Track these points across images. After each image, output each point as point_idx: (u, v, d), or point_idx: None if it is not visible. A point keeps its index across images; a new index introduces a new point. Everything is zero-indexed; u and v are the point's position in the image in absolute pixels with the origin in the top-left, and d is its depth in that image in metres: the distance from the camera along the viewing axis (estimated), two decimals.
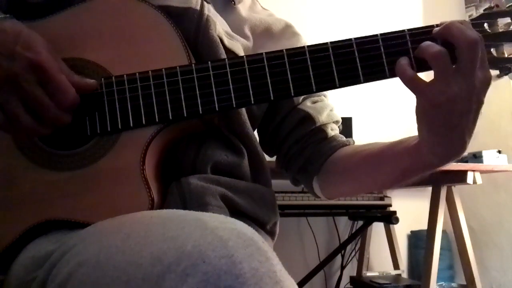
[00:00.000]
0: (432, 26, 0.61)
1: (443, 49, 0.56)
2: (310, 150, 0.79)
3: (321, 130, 0.80)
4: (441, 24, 0.59)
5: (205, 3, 0.73)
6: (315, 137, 0.79)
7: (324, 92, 0.84)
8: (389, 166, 0.69)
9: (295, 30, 0.86)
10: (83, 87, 0.61)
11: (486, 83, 0.56)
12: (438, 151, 0.60)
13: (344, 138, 0.81)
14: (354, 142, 0.82)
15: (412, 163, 0.65)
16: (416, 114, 0.60)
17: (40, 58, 0.57)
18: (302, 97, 0.80)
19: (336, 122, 0.83)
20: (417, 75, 0.59)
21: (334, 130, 0.82)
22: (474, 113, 0.57)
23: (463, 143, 0.59)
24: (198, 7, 0.71)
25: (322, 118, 0.80)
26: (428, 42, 0.58)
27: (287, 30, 0.85)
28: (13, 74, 0.56)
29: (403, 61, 0.59)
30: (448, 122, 0.57)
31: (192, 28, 0.69)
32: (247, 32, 0.79)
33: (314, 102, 0.81)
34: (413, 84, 0.58)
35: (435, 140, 0.60)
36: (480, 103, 0.57)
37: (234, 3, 0.81)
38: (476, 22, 0.62)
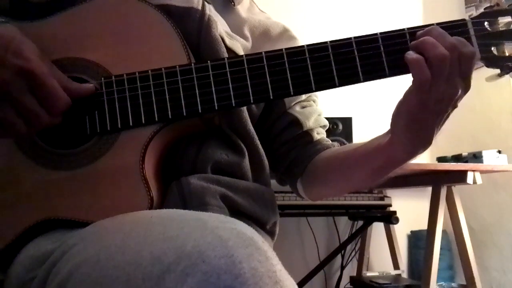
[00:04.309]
0: (432, 25, 0.61)
1: (449, 54, 0.56)
2: (296, 152, 0.81)
3: (307, 134, 0.82)
4: (439, 23, 0.60)
5: (206, 3, 0.73)
6: (301, 140, 0.81)
7: (314, 97, 0.86)
8: (363, 167, 0.72)
9: (293, 34, 0.87)
10: (81, 92, 0.62)
11: (466, 90, 0.59)
12: (409, 148, 0.63)
13: (329, 142, 0.83)
14: (342, 144, 0.85)
15: (384, 161, 0.68)
16: (398, 113, 0.61)
17: (30, 65, 0.57)
18: (293, 102, 0.82)
19: (324, 126, 0.86)
20: None
21: (320, 134, 0.84)
22: (448, 115, 0.60)
23: (431, 140, 0.62)
24: (199, 7, 0.71)
25: (310, 123, 0.82)
26: (433, 41, 0.58)
27: (285, 33, 0.86)
28: (3, 82, 0.56)
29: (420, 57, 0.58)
30: (426, 121, 0.60)
31: (194, 27, 0.70)
32: (246, 33, 0.80)
33: (303, 107, 0.83)
34: (425, 86, 0.57)
35: (409, 138, 0.62)
36: (454, 107, 0.60)
37: (234, 4, 0.82)
38: (477, 21, 0.62)
